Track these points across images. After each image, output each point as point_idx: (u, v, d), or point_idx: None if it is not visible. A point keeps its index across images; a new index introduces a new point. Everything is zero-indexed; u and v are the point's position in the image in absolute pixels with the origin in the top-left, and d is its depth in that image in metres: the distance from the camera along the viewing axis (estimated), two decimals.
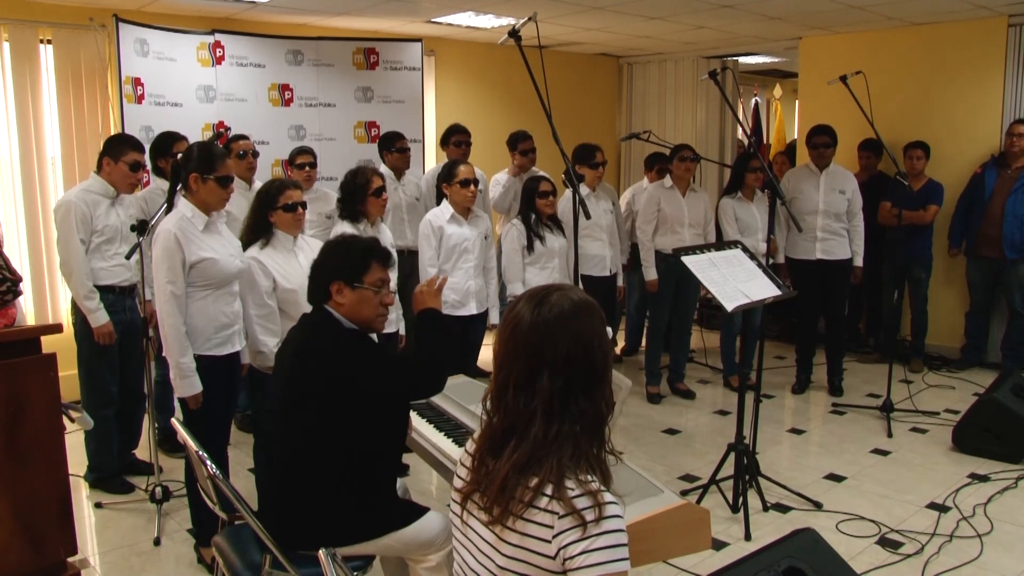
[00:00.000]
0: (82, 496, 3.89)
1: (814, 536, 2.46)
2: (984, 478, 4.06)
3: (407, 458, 4.07)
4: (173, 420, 2.58)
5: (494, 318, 4.43)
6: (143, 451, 4.19)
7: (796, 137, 7.62)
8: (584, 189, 4.71)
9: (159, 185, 4.11)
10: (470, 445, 1.64)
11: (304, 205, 3.31)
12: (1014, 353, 5.60)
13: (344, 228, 3.69)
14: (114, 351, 3.81)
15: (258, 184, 4.07)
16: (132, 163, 3.74)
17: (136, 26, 5.00)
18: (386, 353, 2.47)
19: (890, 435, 4.68)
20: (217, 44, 5.45)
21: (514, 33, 3.29)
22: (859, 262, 5.32)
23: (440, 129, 5.90)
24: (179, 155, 3.26)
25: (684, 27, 6.30)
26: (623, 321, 6.50)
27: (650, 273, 5.20)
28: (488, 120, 6.91)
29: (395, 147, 5.04)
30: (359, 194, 3.74)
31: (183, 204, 3.05)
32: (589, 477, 1.48)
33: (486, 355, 3.20)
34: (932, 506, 3.76)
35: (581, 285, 4.05)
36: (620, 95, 8.48)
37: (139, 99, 5.04)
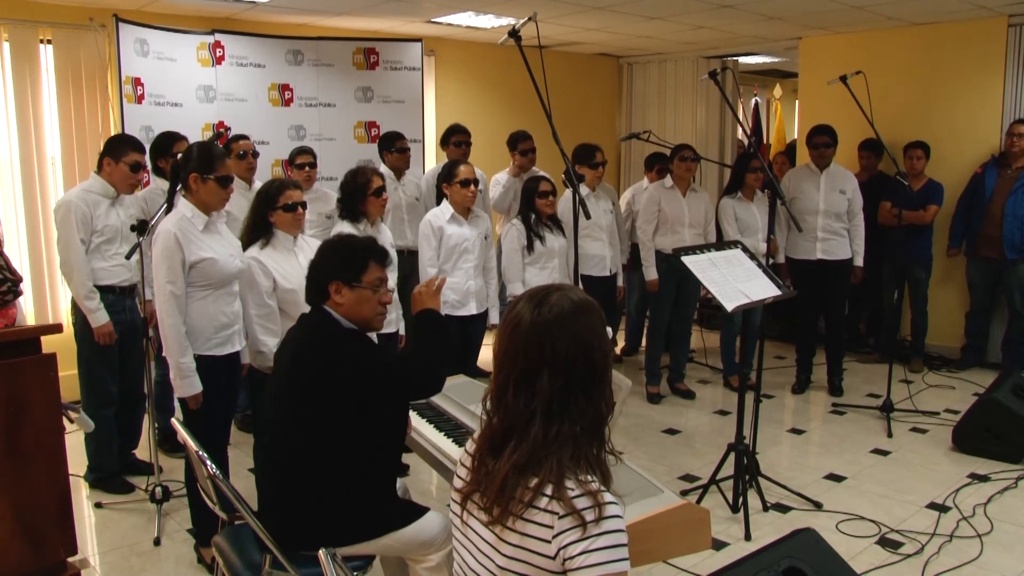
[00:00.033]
0: (82, 496, 3.89)
1: (814, 536, 2.46)
2: (984, 478, 4.06)
3: (407, 458, 4.07)
4: (173, 420, 2.58)
5: (494, 318, 4.43)
6: (143, 451, 4.19)
7: (796, 137, 7.62)
8: (584, 189, 4.71)
9: (159, 185, 4.11)
10: (470, 445, 1.64)
11: (304, 205, 3.31)
12: (1014, 353, 5.60)
13: (344, 228, 3.70)
14: (114, 351, 3.81)
15: (258, 184, 4.07)
16: (133, 164, 3.74)
17: (136, 26, 5.00)
18: (385, 353, 2.48)
19: (890, 435, 4.68)
20: (217, 44, 5.45)
21: (514, 33, 3.29)
22: (859, 262, 5.32)
23: (440, 129, 5.90)
24: (179, 155, 3.26)
25: (684, 27, 6.30)
26: (623, 321, 6.50)
27: (650, 273, 5.20)
28: (488, 120, 6.91)
29: (395, 147, 5.04)
30: (359, 194, 3.74)
31: (183, 204, 3.05)
32: (589, 477, 1.48)
33: (486, 355, 3.20)
34: (932, 506, 3.76)
35: (581, 285, 4.05)
36: (620, 95, 8.48)
37: (139, 99, 5.04)
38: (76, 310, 3.75)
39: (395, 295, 3.91)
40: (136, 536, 3.52)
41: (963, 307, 6.03)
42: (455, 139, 5.30)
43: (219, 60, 5.46)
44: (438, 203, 4.33)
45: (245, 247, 3.23)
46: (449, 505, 1.66)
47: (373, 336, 3.51)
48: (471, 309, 4.26)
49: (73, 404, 2.61)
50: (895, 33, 6.33)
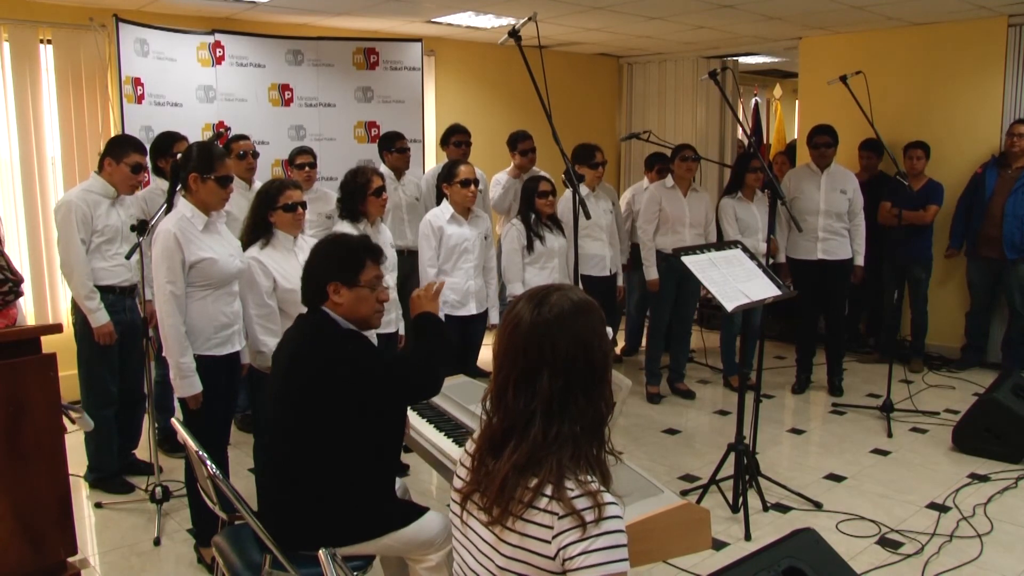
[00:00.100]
0: (82, 496, 3.89)
1: (814, 536, 2.46)
2: (984, 478, 4.06)
3: (407, 458, 4.07)
4: (173, 420, 2.58)
5: (494, 318, 4.43)
6: (143, 451, 4.19)
7: (796, 137, 7.62)
8: (584, 189, 4.71)
9: (159, 185, 4.11)
10: (470, 445, 1.64)
11: (304, 205, 3.30)
12: (1014, 353, 5.60)
13: (344, 228, 3.69)
14: (114, 351, 3.81)
15: (258, 184, 4.07)
16: (134, 165, 3.74)
17: (136, 26, 5.00)
18: (383, 354, 2.48)
19: (890, 435, 4.68)
20: (217, 44, 5.45)
21: (514, 33, 3.29)
22: (860, 261, 5.32)
23: (440, 129, 5.90)
24: (179, 155, 3.26)
25: (684, 27, 6.30)
26: (623, 321, 6.50)
27: (651, 273, 5.20)
28: (488, 120, 6.91)
29: (395, 147, 5.04)
30: (359, 194, 3.74)
31: (183, 204, 3.05)
32: (589, 477, 1.48)
33: (486, 355, 3.20)
34: (932, 506, 3.76)
35: (581, 285, 4.05)
36: (620, 95, 8.48)
37: (139, 99, 5.04)
38: (76, 310, 3.75)
39: (395, 295, 3.92)
40: (136, 536, 3.52)
41: (963, 307, 6.04)
42: (455, 139, 5.30)
43: (219, 60, 5.46)
44: (438, 203, 4.33)
45: (245, 247, 3.23)
46: (449, 505, 1.66)
47: (373, 337, 3.52)
48: (471, 309, 4.26)
49: (73, 404, 2.61)
50: (895, 33, 6.33)
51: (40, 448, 2.24)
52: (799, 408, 5.31)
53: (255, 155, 4.67)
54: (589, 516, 1.41)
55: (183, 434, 2.41)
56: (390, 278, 3.81)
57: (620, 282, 5.24)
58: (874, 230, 5.56)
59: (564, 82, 7.40)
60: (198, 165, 3.02)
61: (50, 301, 5.15)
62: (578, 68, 7.94)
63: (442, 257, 4.17)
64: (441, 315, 3.85)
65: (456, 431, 2.80)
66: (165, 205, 3.34)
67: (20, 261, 4.99)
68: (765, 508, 3.71)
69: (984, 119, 5.99)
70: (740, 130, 7.60)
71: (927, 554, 3.31)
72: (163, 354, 3.01)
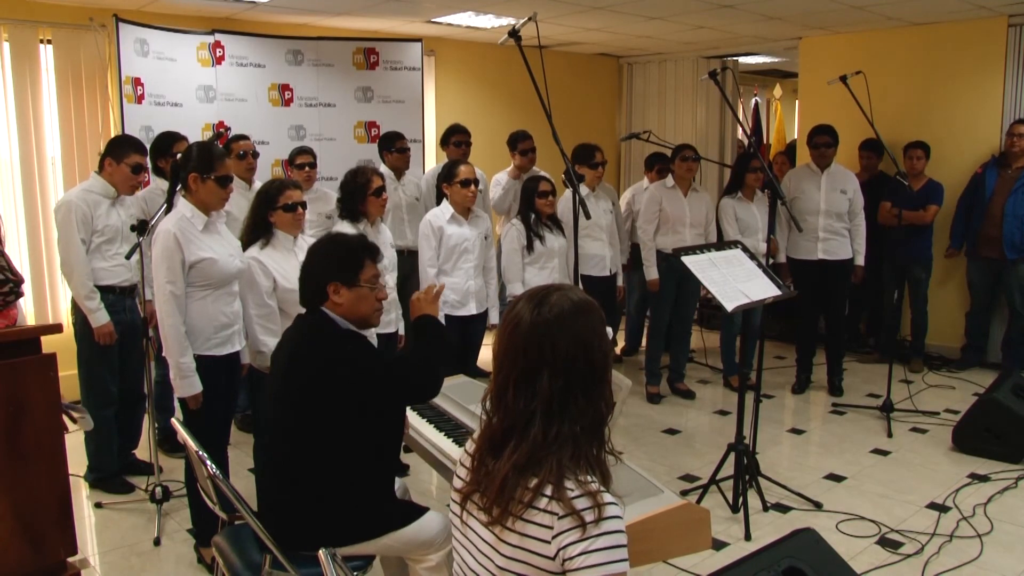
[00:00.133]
0: (82, 496, 3.89)
1: (814, 536, 2.46)
2: (984, 478, 4.06)
3: (407, 458, 4.07)
4: (173, 420, 2.58)
5: (494, 318, 4.43)
6: (143, 451, 4.19)
7: (796, 137, 7.62)
8: (584, 189, 4.71)
9: (159, 185, 4.11)
10: (470, 445, 1.64)
11: (304, 205, 3.31)
12: (1014, 353, 5.60)
13: (344, 228, 3.69)
14: (114, 351, 3.81)
15: (258, 184, 4.07)
16: (134, 165, 3.74)
17: (136, 26, 5.00)
18: (382, 356, 2.48)
19: (890, 435, 4.68)
20: (217, 44, 5.45)
21: (514, 33, 3.29)
22: (860, 261, 5.32)
23: (440, 129, 5.90)
24: (179, 155, 3.26)
25: (684, 27, 6.30)
26: (623, 321, 6.50)
27: (651, 272, 5.20)
28: (488, 120, 6.91)
29: (395, 147, 5.04)
30: (359, 194, 3.74)
31: (182, 204, 3.05)
32: (589, 478, 1.48)
33: (486, 355, 3.20)
34: (932, 506, 3.76)
35: (581, 285, 4.05)
36: (620, 95, 8.48)
37: (139, 99, 5.04)
38: (76, 310, 3.75)
39: (394, 295, 3.92)
40: (136, 536, 3.52)
41: (963, 307, 6.03)
42: (455, 139, 5.30)
43: (219, 60, 5.46)
44: (438, 203, 4.33)
45: (245, 247, 3.23)
46: (449, 505, 1.66)
47: (373, 337, 3.52)
48: (471, 309, 4.26)
49: (74, 404, 2.60)
50: (895, 33, 6.33)
51: (40, 448, 2.24)
52: (799, 408, 5.31)
53: (255, 155, 4.67)
54: (589, 516, 1.41)
55: (183, 434, 2.41)
56: (390, 278, 3.81)
57: (620, 282, 5.24)
58: (874, 230, 5.56)
59: (564, 82, 7.40)
60: (198, 165, 3.02)
61: (50, 301, 5.15)
62: (578, 68, 7.94)
63: (442, 257, 4.17)
64: (441, 316, 3.87)
65: (456, 431, 2.80)
66: (165, 205, 3.34)
67: (20, 261, 4.99)
68: (765, 508, 3.71)
69: (984, 119, 5.99)
70: (740, 130, 7.60)
71: (927, 554, 3.31)
72: (163, 354, 3.01)
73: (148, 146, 4.10)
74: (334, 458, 2.29)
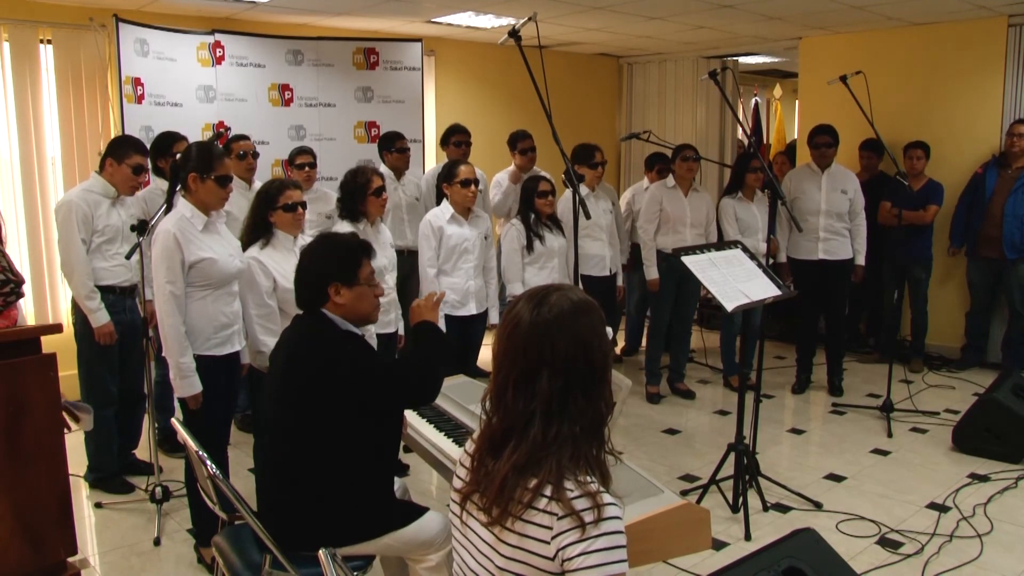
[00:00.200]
0: (82, 496, 3.89)
1: (814, 536, 2.46)
2: (984, 478, 4.06)
3: (407, 458, 4.08)
4: (173, 420, 2.58)
5: (494, 318, 4.43)
6: (143, 451, 4.19)
7: (796, 137, 7.62)
8: (584, 189, 4.71)
9: (159, 185, 4.11)
10: (469, 445, 1.64)
11: (304, 205, 3.31)
12: (1014, 353, 5.60)
13: (344, 228, 3.69)
14: (114, 351, 3.81)
15: (258, 184, 4.07)
16: (135, 166, 3.74)
17: (136, 26, 5.00)
18: (381, 359, 2.48)
19: (890, 435, 4.68)
20: (217, 44, 5.45)
21: (514, 33, 3.29)
22: (861, 261, 5.32)
23: (440, 129, 5.90)
24: (179, 155, 3.26)
25: (684, 27, 6.30)
26: (623, 321, 6.50)
27: (651, 272, 5.20)
28: (488, 120, 6.91)
29: (395, 147, 5.04)
30: (359, 194, 3.74)
31: (182, 204, 3.05)
32: (588, 478, 1.48)
33: (486, 355, 3.20)
34: (932, 506, 3.76)
35: (581, 285, 4.05)
36: (620, 95, 8.48)
37: (139, 99, 5.04)
38: (76, 310, 3.75)
39: (394, 295, 3.92)
40: (136, 536, 3.52)
41: (963, 307, 6.03)
42: (455, 139, 5.30)
43: (219, 60, 5.46)
44: (438, 203, 4.33)
45: (245, 247, 3.23)
46: (449, 505, 1.66)
47: (372, 338, 3.53)
48: (471, 309, 4.26)
49: (78, 402, 2.60)
50: (895, 33, 6.33)
51: (40, 448, 2.24)
52: (799, 408, 5.31)
53: (255, 155, 4.67)
54: (588, 517, 1.41)
55: (183, 434, 2.41)
56: (390, 278, 3.81)
57: (620, 282, 5.24)
58: (874, 230, 5.56)
59: (564, 82, 7.40)
60: (197, 165, 3.02)
61: (50, 301, 5.15)
62: (578, 68, 7.94)
63: (442, 257, 4.17)
64: (441, 316, 3.87)
65: (456, 431, 2.80)
66: (165, 205, 3.34)
67: (20, 261, 4.99)
68: (765, 508, 3.71)
69: (984, 119, 5.99)
70: (740, 130, 7.60)
71: (927, 554, 3.31)
72: (163, 354, 3.01)
73: (148, 146, 4.11)
74: (334, 458, 2.29)
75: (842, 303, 5.51)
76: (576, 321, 1.52)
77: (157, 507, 3.59)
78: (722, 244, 3.83)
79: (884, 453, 4.44)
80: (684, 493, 3.88)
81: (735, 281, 3.46)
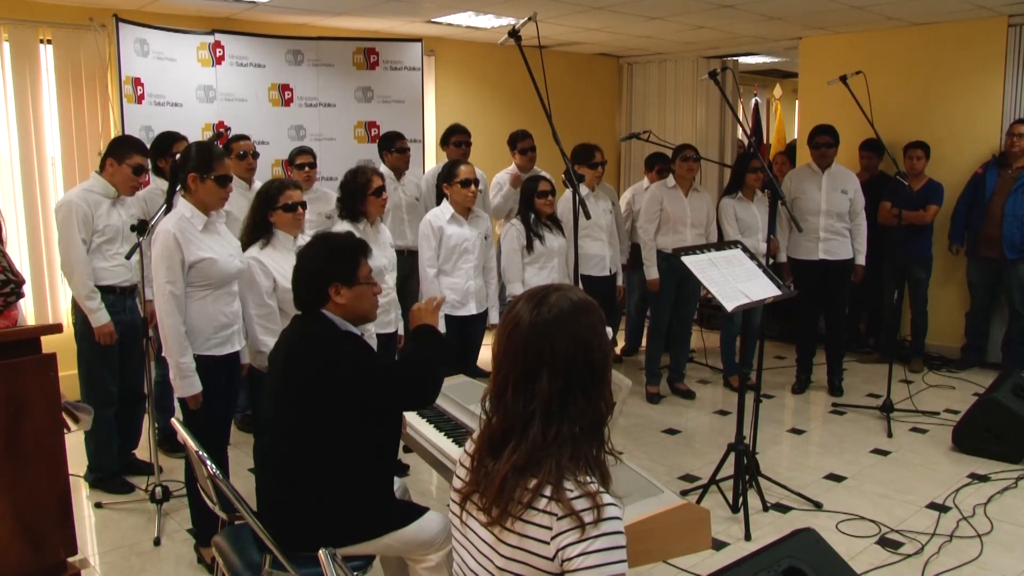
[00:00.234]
0: (82, 496, 3.89)
1: (814, 536, 2.46)
2: (984, 478, 4.06)
3: (407, 458, 4.08)
4: (173, 420, 2.58)
5: (494, 318, 4.43)
6: (143, 451, 4.19)
7: (796, 137, 7.62)
8: (584, 189, 4.71)
9: (159, 185, 4.11)
10: (469, 445, 1.64)
11: (304, 205, 3.31)
12: (1014, 353, 5.60)
13: (344, 228, 3.69)
14: (114, 351, 3.81)
15: (258, 184, 4.07)
16: (136, 166, 3.74)
17: (136, 26, 5.00)
18: (381, 360, 2.48)
19: (890, 435, 4.68)
20: (217, 44, 5.45)
21: (514, 33, 3.29)
22: (861, 261, 5.32)
23: (440, 129, 5.90)
24: (178, 155, 3.26)
25: (684, 27, 6.30)
26: (623, 321, 6.50)
27: (652, 272, 5.20)
28: (488, 120, 6.91)
29: (395, 147, 5.04)
30: (359, 194, 3.74)
31: (182, 204, 3.05)
32: (588, 478, 1.48)
33: (486, 355, 3.20)
34: (932, 506, 3.76)
35: (581, 285, 4.05)
36: (620, 95, 8.48)
37: (139, 99, 5.04)
38: (76, 310, 3.75)
39: (394, 295, 3.92)
40: (136, 536, 3.52)
41: (963, 307, 6.03)
42: (455, 139, 5.30)
43: (219, 60, 5.46)
44: (438, 203, 4.33)
45: (245, 247, 3.23)
46: (448, 505, 1.66)
47: (372, 338, 3.53)
48: (471, 309, 4.26)
49: (78, 403, 2.60)
50: (895, 33, 6.33)
51: (40, 448, 2.24)
52: (799, 408, 5.31)
53: (255, 155, 4.67)
54: (588, 517, 1.41)
55: (183, 434, 2.41)
56: (390, 278, 3.81)
57: (620, 282, 5.24)
58: (874, 230, 5.56)
59: (564, 82, 7.40)
60: (197, 165, 3.02)
61: (50, 301, 5.15)
62: (578, 68, 7.94)
63: (442, 257, 4.17)
64: (441, 316, 3.87)
65: (456, 431, 2.80)
66: (165, 205, 3.34)
67: (20, 261, 4.99)
68: (765, 508, 3.71)
69: (984, 119, 5.99)
70: (740, 130, 7.59)
71: (927, 554, 3.31)
72: (163, 354, 3.01)
73: (148, 146, 4.11)
74: (334, 458, 2.29)
75: (842, 303, 5.51)
76: (576, 321, 1.52)
77: (157, 507, 3.59)
78: (722, 244, 3.83)
79: (884, 453, 4.44)
80: (684, 493, 3.88)
81: (735, 281, 3.46)
